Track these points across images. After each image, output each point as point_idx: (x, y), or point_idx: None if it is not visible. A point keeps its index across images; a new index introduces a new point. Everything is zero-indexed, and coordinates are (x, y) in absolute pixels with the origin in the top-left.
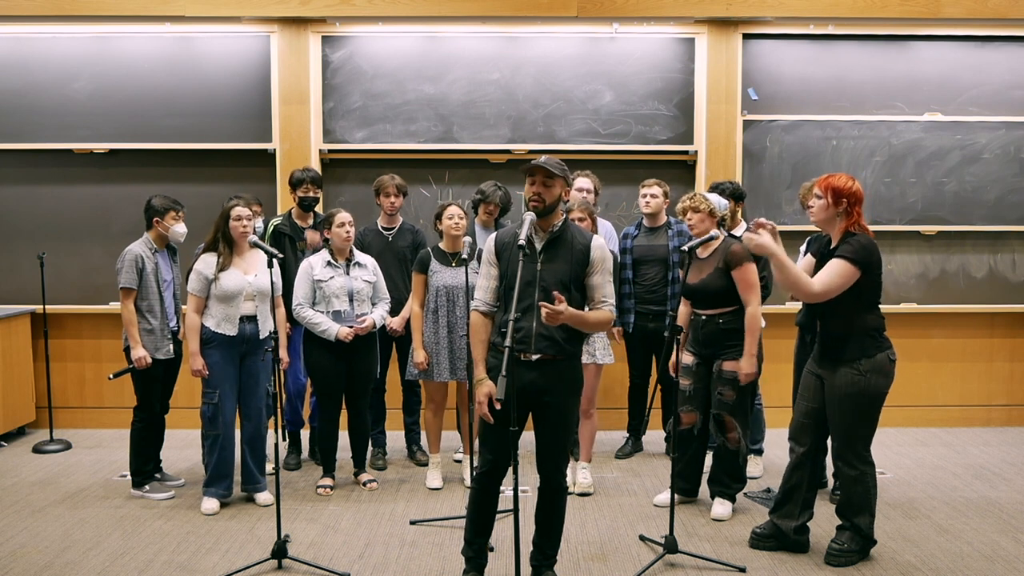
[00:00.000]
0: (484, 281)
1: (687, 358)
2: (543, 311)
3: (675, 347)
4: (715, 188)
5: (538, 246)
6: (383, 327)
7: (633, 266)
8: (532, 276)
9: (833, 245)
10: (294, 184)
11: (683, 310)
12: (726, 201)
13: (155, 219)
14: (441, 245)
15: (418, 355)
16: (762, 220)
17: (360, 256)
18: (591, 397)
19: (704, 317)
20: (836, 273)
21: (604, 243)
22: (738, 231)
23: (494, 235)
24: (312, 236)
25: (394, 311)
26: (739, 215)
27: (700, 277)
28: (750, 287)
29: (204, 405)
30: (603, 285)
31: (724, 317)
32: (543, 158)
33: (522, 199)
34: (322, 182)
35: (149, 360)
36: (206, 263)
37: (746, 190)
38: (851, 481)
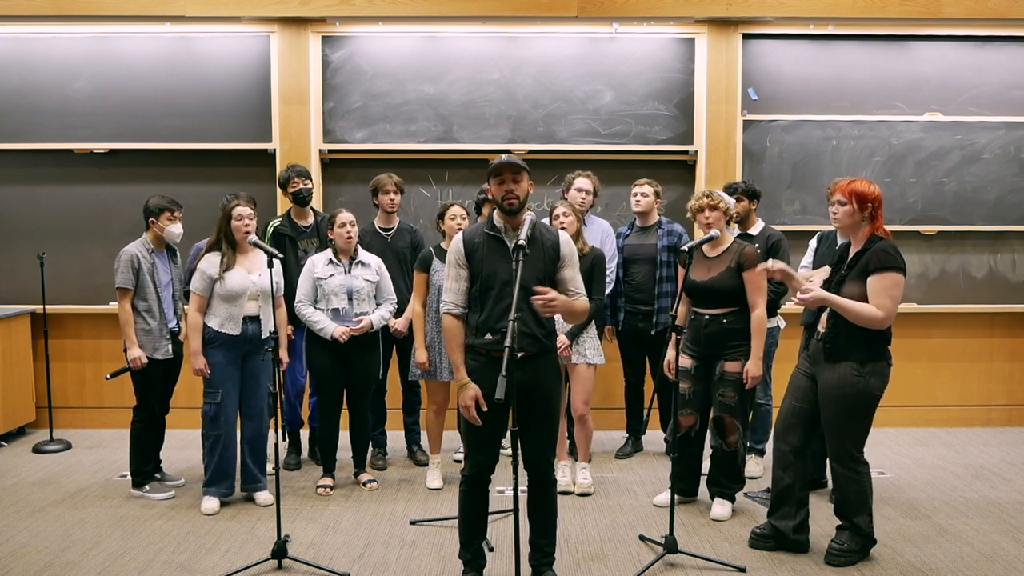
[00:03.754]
0: (454, 283)
1: (684, 360)
2: (537, 304)
3: (671, 346)
4: (728, 189)
5: (510, 245)
6: (386, 327)
7: (623, 265)
8: (510, 275)
9: (857, 249)
10: (283, 184)
11: (683, 309)
12: (733, 200)
13: (151, 219)
14: (443, 244)
15: (420, 355)
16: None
17: (364, 256)
18: (586, 399)
19: (707, 316)
20: (891, 288)
21: (570, 238)
22: (755, 230)
23: (460, 235)
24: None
25: (396, 312)
26: (754, 214)
27: (709, 275)
28: (759, 290)
29: (206, 405)
30: (574, 278)
31: (728, 317)
32: (504, 156)
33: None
34: (309, 174)
35: (145, 360)
36: (210, 263)
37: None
38: (845, 481)
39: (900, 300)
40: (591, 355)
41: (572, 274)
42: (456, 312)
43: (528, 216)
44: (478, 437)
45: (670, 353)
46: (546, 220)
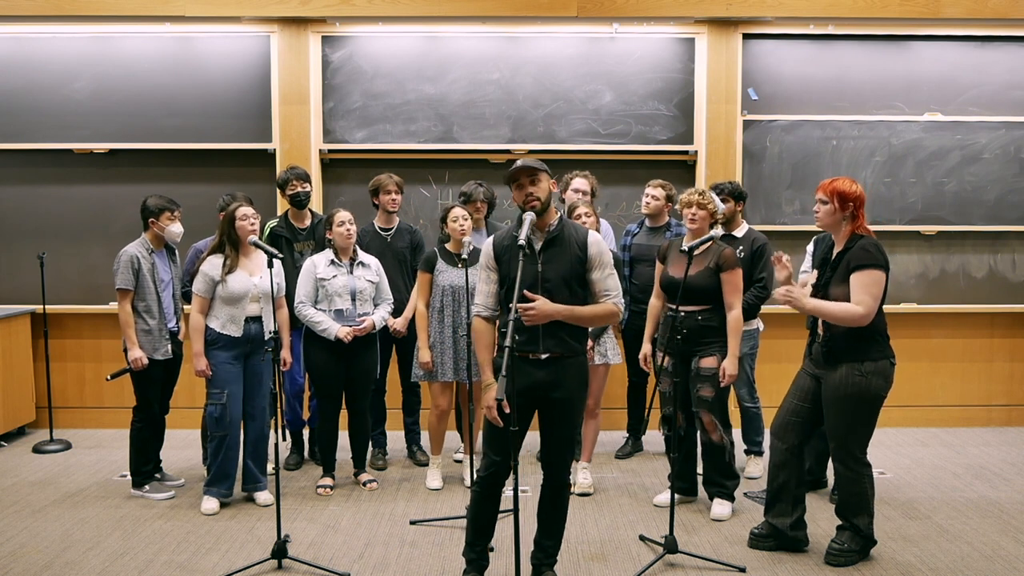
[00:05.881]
0: (484, 286)
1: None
2: (522, 314)
3: (647, 340)
4: (715, 189)
5: (537, 246)
6: (385, 327)
7: (630, 264)
8: (534, 277)
9: (839, 249)
10: (281, 185)
11: (656, 304)
12: (723, 205)
13: (150, 219)
14: (448, 246)
15: (423, 355)
16: (780, 256)
17: (364, 256)
18: (597, 397)
19: (683, 313)
20: (871, 285)
21: (600, 238)
22: (739, 232)
23: (491, 239)
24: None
25: (395, 312)
26: (739, 215)
27: (688, 273)
28: (736, 291)
29: (211, 406)
30: (604, 279)
31: (704, 314)
32: (519, 161)
33: (511, 196)
34: (309, 177)
35: (145, 361)
36: (212, 265)
37: (746, 190)
38: (847, 482)
39: (881, 297)
40: (611, 356)
41: (600, 275)
42: (485, 315)
43: (528, 216)
44: (496, 437)
45: (645, 347)
46: None
